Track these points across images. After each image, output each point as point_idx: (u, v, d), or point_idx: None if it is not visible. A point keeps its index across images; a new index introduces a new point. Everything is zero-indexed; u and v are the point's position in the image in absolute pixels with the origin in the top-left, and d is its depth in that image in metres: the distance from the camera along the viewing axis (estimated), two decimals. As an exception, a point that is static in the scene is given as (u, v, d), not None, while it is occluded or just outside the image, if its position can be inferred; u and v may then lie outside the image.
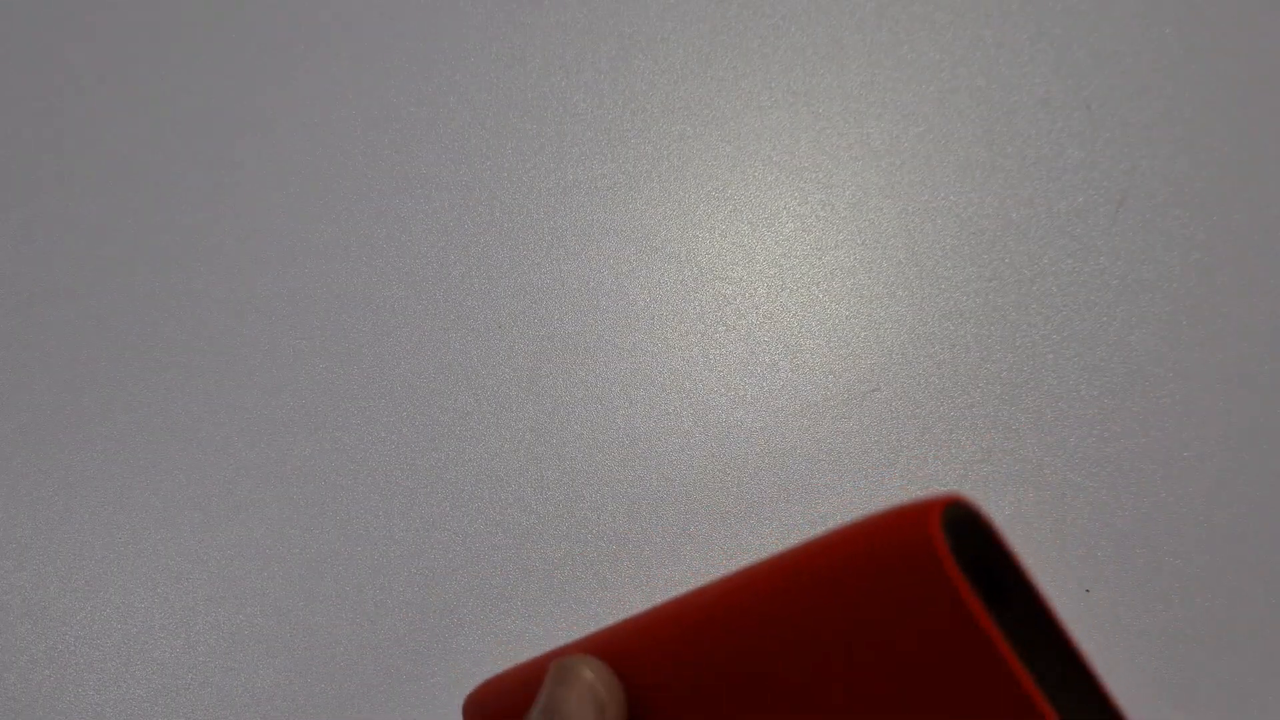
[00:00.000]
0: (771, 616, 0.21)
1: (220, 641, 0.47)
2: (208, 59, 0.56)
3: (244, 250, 0.53)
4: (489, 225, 0.53)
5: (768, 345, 0.51)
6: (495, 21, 0.56)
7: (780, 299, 0.51)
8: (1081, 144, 0.53)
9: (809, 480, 0.48)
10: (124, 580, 0.48)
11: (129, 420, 0.50)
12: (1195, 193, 0.52)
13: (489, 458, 0.49)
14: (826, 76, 0.55)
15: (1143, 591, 0.47)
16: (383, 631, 0.47)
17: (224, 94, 0.56)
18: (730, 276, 0.52)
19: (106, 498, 0.49)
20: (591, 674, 0.24)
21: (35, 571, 0.48)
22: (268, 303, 0.52)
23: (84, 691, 0.47)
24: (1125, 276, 0.51)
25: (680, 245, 0.52)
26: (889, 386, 0.50)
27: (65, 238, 0.53)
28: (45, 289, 0.52)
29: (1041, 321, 0.51)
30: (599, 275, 0.52)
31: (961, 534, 0.19)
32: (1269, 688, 0.46)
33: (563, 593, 0.47)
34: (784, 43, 0.56)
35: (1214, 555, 0.47)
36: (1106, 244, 0.52)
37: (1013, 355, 0.50)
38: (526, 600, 0.47)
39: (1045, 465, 0.48)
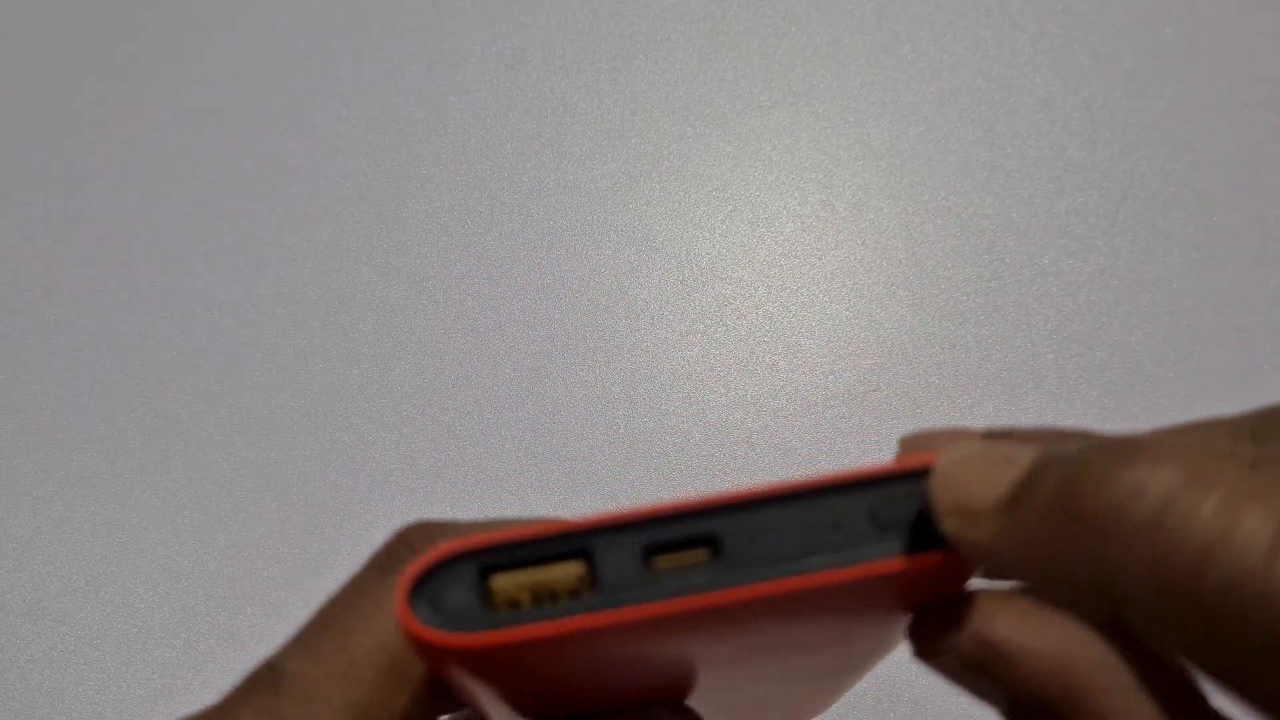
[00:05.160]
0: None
1: (220, 641, 0.47)
2: (208, 58, 0.56)
3: (244, 250, 0.53)
4: (489, 225, 0.53)
5: (768, 345, 0.51)
6: (495, 21, 0.56)
7: (780, 299, 0.51)
8: (1081, 144, 0.53)
9: (809, 480, 0.48)
10: (124, 580, 0.48)
11: (129, 420, 0.50)
12: (1195, 193, 0.52)
13: (489, 457, 0.49)
14: (826, 76, 0.55)
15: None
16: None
17: (224, 94, 0.56)
18: (730, 276, 0.52)
19: (106, 498, 0.49)
20: None
21: (35, 571, 0.48)
22: (268, 303, 0.52)
23: (84, 691, 0.47)
24: (1125, 276, 0.51)
25: (680, 245, 0.52)
26: (889, 386, 0.50)
27: (65, 238, 0.53)
28: (45, 289, 0.52)
29: (1041, 321, 0.51)
30: (599, 275, 0.52)
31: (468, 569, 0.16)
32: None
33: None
34: (784, 43, 0.56)
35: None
36: (1106, 244, 0.52)
37: (1013, 355, 0.50)
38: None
39: (1045, 465, 0.48)
